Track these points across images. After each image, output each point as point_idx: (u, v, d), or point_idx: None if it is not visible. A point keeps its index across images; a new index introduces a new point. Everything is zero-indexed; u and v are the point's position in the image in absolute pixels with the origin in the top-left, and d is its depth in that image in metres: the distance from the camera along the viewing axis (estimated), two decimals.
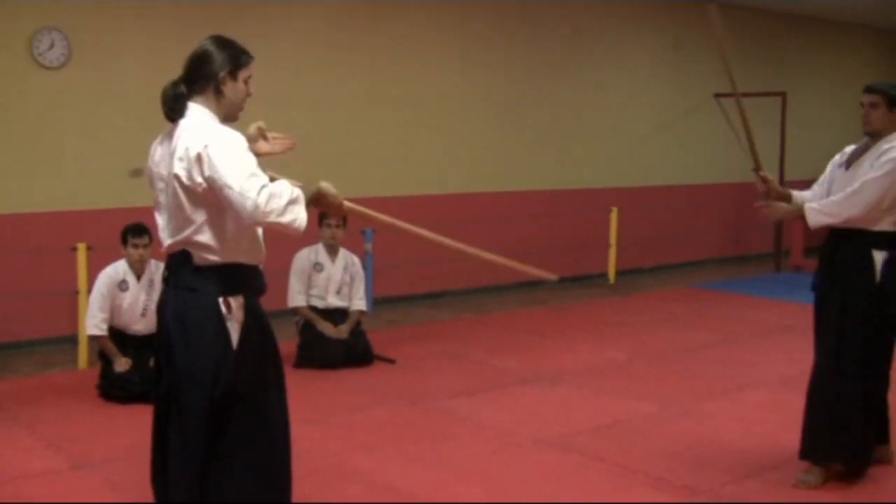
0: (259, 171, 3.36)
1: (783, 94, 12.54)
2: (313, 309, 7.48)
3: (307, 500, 4.52)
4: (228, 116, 3.59)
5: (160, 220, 3.60)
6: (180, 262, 3.54)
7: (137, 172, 8.05)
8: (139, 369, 6.39)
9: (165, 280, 3.68)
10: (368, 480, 4.94)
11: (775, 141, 12.66)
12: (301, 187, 3.42)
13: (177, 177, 3.42)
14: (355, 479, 4.96)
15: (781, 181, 12.53)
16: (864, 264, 4.90)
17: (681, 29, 12.54)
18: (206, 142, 3.36)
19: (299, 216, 3.35)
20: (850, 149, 5.22)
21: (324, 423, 5.91)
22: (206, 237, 3.45)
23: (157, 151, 3.62)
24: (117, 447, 5.43)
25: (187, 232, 3.47)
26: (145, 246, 6.48)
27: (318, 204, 3.51)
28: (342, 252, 7.64)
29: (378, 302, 9.39)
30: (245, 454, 3.54)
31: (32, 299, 7.83)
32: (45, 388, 6.78)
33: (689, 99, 12.82)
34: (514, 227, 10.90)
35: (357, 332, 7.52)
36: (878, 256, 4.88)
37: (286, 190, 3.34)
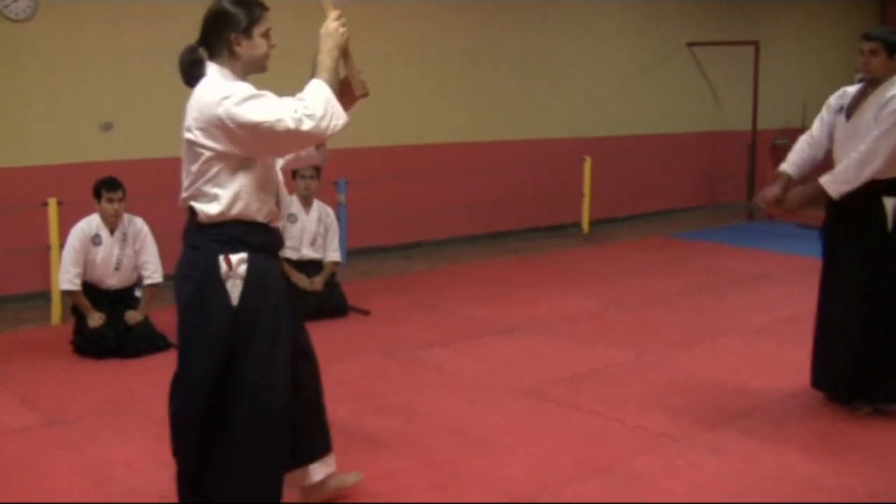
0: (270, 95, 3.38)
1: (756, 44, 12.51)
2: (287, 261, 7.42)
3: None
4: (252, 71, 3.52)
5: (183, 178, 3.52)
6: (189, 218, 3.50)
7: (108, 126, 8.02)
8: (113, 324, 6.38)
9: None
10: (344, 432, 4.93)
11: (748, 90, 12.68)
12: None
13: (189, 129, 3.37)
14: (331, 431, 4.96)
15: (754, 130, 12.59)
16: (875, 212, 4.94)
17: None
18: (220, 102, 3.30)
19: (337, 111, 3.53)
20: (850, 89, 5.19)
21: None
22: (213, 190, 3.39)
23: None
24: (92, 403, 5.42)
25: (195, 185, 3.42)
26: (119, 200, 6.44)
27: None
28: (316, 203, 7.60)
29: (351, 253, 9.37)
30: (245, 417, 3.48)
31: (3, 255, 7.75)
32: (17, 344, 6.73)
33: (662, 48, 12.78)
34: (488, 177, 10.88)
35: (331, 284, 7.51)
36: (889, 203, 4.92)
37: (316, 94, 3.43)
